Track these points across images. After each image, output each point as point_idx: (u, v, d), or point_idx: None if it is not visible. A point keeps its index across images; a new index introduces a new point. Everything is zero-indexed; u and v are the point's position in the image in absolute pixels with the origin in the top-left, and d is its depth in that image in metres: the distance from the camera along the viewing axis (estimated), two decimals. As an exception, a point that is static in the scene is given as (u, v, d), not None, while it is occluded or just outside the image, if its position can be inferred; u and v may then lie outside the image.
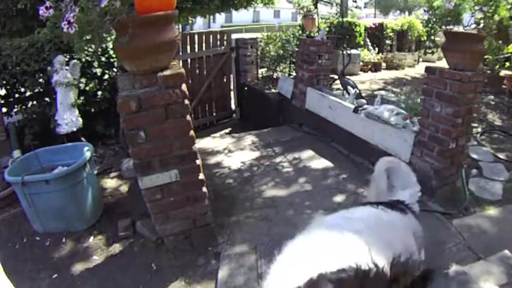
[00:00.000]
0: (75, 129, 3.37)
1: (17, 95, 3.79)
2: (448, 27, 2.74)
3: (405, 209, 1.33)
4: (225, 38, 5.80)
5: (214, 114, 5.95)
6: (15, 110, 3.77)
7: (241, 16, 16.35)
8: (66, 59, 3.38)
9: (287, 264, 0.82)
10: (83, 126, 3.48)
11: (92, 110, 3.76)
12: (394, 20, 10.68)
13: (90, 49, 3.64)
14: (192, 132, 2.10)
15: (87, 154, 2.60)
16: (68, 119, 3.33)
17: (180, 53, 5.09)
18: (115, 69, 3.93)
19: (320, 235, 0.96)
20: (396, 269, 0.59)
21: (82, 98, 3.55)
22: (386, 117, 3.18)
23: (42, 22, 1.64)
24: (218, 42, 5.69)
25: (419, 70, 8.01)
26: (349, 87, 4.30)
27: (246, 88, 5.96)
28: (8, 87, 3.68)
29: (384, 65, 8.41)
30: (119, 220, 2.62)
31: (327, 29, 6.84)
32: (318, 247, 0.86)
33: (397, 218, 1.20)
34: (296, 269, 0.74)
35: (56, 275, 2.21)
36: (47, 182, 2.37)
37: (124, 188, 3.20)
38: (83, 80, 3.57)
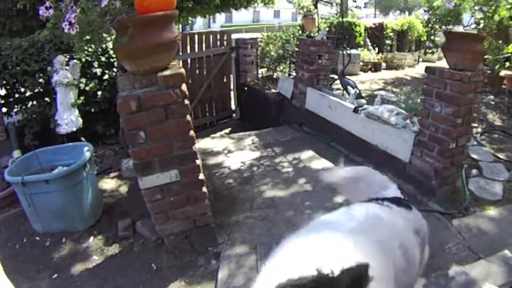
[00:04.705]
0: (75, 129, 3.37)
1: (17, 95, 3.80)
2: (448, 27, 2.73)
3: (410, 204, 1.34)
4: (225, 38, 5.80)
5: (214, 114, 5.94)
6: (15, 110, 3.77)
7: (241, 16, 16.33)
8: (66, 59, 3.38)
9: (269, 269, 0.88)
10: (83, 126, 3.48)
11: (92, 110, 3.77)
12: (394, 20, 10.67)
13: (90, 49, 3.66)
14: (192, 132, 2.10)
15: (87, 154, 2.60)
16: (68, 119, 3.33)
17: (180, 53, 5.09)
18: (115, 69, 3.94)
19: (306, 238, 0.99)
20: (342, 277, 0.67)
21: (82, 98, 3.55)
22: (387, 117, 3.18)
23: (42, 22, 1.64)
24: (218, 42, 5.69)
25: (419, 70, 8.00)
26: (349, 87, 4.29)
27: (246, 88, 5.96)
28: (8, 87, 3.68)
29: (384, 65, 8.41)
30: (119, 220, 2.62)
31: (327, 29, 6.83)
32: (299, 251, 0.91)
33: (401, 215, 1.22)
34: (272, 275, 0.81)
35: (56, 275, 2.21)
36: (47, 182, 2.36)
37: (124, 188, 3.20)
38: (83, 80, 3.57)
